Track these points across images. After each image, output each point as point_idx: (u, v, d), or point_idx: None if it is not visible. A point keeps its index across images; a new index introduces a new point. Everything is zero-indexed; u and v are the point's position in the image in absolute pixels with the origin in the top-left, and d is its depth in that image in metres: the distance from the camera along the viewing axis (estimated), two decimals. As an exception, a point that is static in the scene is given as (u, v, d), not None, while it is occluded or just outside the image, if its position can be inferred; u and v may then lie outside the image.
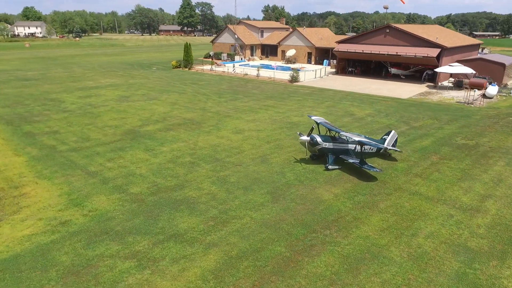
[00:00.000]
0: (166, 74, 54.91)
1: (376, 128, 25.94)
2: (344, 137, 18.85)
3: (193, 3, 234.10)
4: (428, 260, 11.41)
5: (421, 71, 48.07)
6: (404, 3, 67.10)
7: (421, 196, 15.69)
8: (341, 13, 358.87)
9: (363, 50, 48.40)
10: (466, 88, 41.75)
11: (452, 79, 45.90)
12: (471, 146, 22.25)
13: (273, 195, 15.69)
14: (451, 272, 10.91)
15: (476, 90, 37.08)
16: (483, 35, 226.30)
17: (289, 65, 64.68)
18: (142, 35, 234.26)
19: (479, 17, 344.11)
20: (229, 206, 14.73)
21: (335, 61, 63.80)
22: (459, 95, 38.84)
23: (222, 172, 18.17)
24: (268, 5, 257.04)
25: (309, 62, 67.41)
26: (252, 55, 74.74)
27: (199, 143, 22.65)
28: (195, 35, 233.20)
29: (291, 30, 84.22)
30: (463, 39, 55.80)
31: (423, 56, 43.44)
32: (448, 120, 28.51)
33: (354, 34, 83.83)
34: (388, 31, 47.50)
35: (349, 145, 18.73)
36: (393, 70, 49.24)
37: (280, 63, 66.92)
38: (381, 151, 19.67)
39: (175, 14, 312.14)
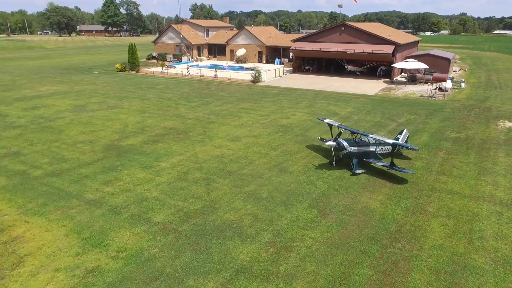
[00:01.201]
0: (113, 78, 50.29)
1: (368, 126, 25.90)
2: (366, 139, 18.22)
3: (117, 1, 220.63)
4: None
5: (375, 68, 49.94)
6: (356, 1, 69.40)
7: (459, 195, 15.59)
8: (266, 11, 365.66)
9: (320, 48, 48.93)
10: (420, 82, 44.27)
11: (404, 74, 48.36)
12: (464, 139, 23.10)
13: (318, 209, 14.44)
14: (546, 275, 10.68)
15: (439, 84, 39.28)
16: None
17: (240, 64, 63.45)
18: (61, 35, 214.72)
19: (391, 15, 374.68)
20: (280, 227, 13.18)
21: (287, 60, 64.17)
22: (417, 89, 40.92)
23: (246, 187, 16.43)
24: (196, 4, 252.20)
25: (259, 61, 66.76)
26: (199, 55, 72.05)
27: (198, 155, 20.50)
28: (121, 35, 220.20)
29: (234, 28, 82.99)
30: (407, 37, 59.37)
31: (380, 53, 45.05)
32: (426, 114, 29.59)
33: (303, 32, 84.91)
34: (343, 29, 48.53)
35: (371, 147, 18.15)
36: (350, 67, 50.52)
37: (232, 63, 65.31)
38: (395, 150, 19.41)
39: (94, 13, 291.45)
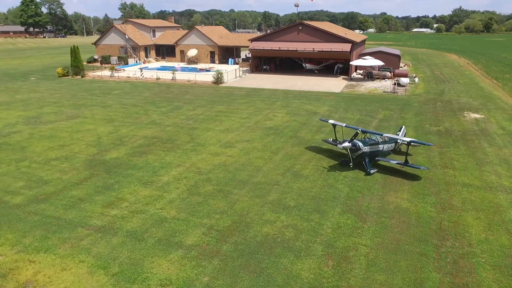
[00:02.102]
0: (58, 84, 45.72)
1: (353, 124, 26.20)
2: (375, 138, 18.26)
3: (38, 0, 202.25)
4: None
5: (331, 65, 51.27)
6: (312, 0, 70.41)
7: (472, 187, 16.22)
8: (199, 11, 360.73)
9: (280, 47, 49.01)
10: (377, 78, 46.30)
11: (360, 71, 50.27)
12: (445, 132, 24.36)
13: (353, 213, 14.07)
14: None
15: (397, 79, 41.26)
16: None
17: (193, 65, 61.47)
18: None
19: (320, 15, 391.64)
20: (327, 237, 12.56)
21: (241, 59, 63.48)
22: (377, 85, 42.71)
23: (267, 196, 15.55)
24: (126, 3, 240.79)
25: (212, 61, 65.27)
26: (146, 56, 68.49)
27: (198, 164, 19.10)
28: (44, 37, 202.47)
29: (181, 28, 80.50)
30: (357, 35, 61.82)
31: (339, 51, 46.28)
32: (399, 109, 30.85)
33: (239, 32, 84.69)
34: (301, 28, 49.08)
35: (379, 146, 18.24)
36: (308, 66, 51.28)
37: (183, 64, 63.00)
38: (395, 147, 19.76)
39: (7, 12, 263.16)
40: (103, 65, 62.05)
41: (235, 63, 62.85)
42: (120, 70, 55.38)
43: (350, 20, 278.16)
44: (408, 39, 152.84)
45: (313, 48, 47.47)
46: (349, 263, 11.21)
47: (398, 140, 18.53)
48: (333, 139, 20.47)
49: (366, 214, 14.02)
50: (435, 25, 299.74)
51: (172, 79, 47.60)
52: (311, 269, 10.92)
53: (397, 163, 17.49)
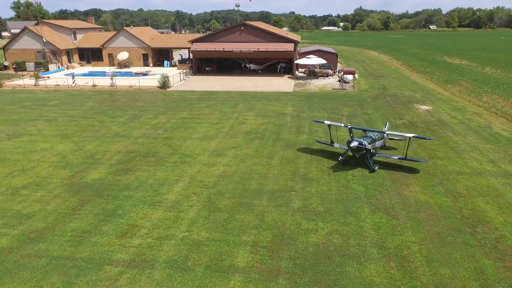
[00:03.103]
0: (-27, 97, 39.21)
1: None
2: (372, 135, 18.96)
3: None
4: None
5: (274, 65, 52.17)
6: (250, 1, 69.95)
7: (465, 174, 17.81)
8: (106, 10, 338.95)
9: (224, 48, 48.36)
10: (321, 76, 48.34)
11: (301, 70, 51.95)
12: (410, 125, 26.40)
13: (384, 212, 14.48)
14: None
15: (340, 76, 43.44)
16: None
17: (126, 69, 57.68)
18: None
19: (234, 14, 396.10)
20: (375, 239, 12.72)
21: (177, 61, 61.21)
22: (323, 83, 44.60)
23: (292, 204, 15.25)
24: (20, 1, 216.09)
25: (145, 64, 61.83)
26: (69, 61, 62.21)
27: (199, 178, 17.97)
28: None
29: (102, 30, 75.05)
30: (293, 35, 63.59)
31: (283, 51, 47.23)
32: (357, 105, 32.60)
33: (171, 32, 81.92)
34: (243, 28, 48.99)
35: (376, 143, 19.02)
36: (252, 66, 51.45)
37: (114, 69, 58.67)
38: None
39: None
40: (19, 72, 54.88)
41: (172, 65, 60.39)
42: (44, 77, 49.42)
43: (265, 19, 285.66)
44: (322, 37, 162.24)
45: (258, 48, 47.73)
46: (409, 262, 11.48)
47: (385, 135, 19.53)
48: (318, 140, 20.86)
49: (394, 211, 14.50)
50: (341, 24, 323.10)
51: (111, 86, 43.91)
52: (379, 274, 10.94)
53: (398, 158, 18.40)
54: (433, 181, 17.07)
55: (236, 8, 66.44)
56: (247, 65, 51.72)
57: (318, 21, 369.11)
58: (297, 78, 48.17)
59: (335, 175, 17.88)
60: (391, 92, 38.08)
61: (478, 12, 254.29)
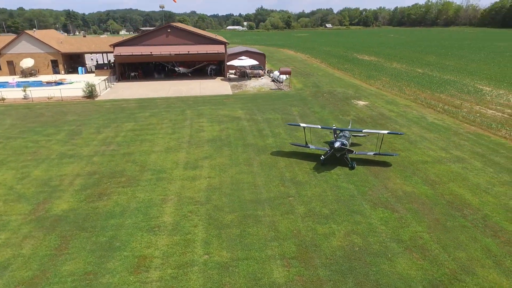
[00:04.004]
0: None
1: (281, 124, 27.58)
2: (347, 135, 19.97)
3: None
4: None
5: (204, 67, 51.36)
6: (175, 1, 66.27)
7: (429, 163, 19.88)
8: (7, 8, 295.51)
9: (151, 52, 45.97)
10: (254, 77, 49.05)
11: (231, 71, 52.00)
12: (358, 120, 28.44)
13: (382, 206, 15.44)
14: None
15: (273, 76, 44.57)
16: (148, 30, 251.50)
17: (33, 79, 51.15)
18: None
19: (133, 13, 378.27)
20: (389, 234, 13.53)
21: (93, 67, 56.37)
22: (259, 84, 45.35)
23: (296, 210, 15.36)
24: None
25: (55, 71, 55.60)
26: (-43, 72, 52.76)
27: (186, 194, 17.00)
28: None
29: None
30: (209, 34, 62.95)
31: (214, 53, 46.71)
32: (302, 104, 33.93)
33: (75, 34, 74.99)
34: (169, 30, 47.13)
35: (349, 141, 20.11)
36: (181, 69, 49.87)
37: (18, 78, 51.62)
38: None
39: None
40: None
41: (88, 71, 55.35)
42: None
43: (169, 19, 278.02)
44: (231, 37, 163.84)
45: (188, 51, 46.42)
46: (428, 250, 12.49)
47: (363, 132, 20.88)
48: (292, 142, 21.30)
49: (390, 204, 15.56)
50: (245, 23, 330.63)
51: (25, 98, 38.54)
52: (411, 267, 11.70)
53: (374, 154, 19.69)
54: (407, 172, 18.69)
55: (161, 9, 63.31)
56: (176, 69, 49.94)
57: (222, 21, 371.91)
58: (230, 80, 48.06)
59: (321, 176, 18.42)
60: (325, 90, 40.36)
61: (364, 12, 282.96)
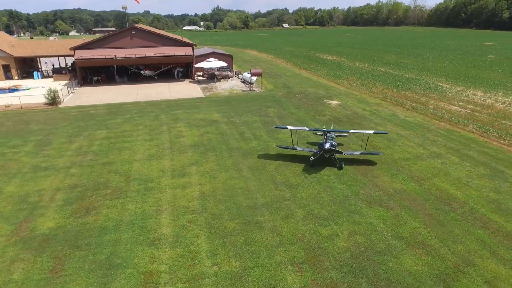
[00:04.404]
0: None
1: (261, 126, 27.67)
2: (332, 135, 20.38)
3: None
4: None
5: (171, 70, 50.29)
6: (139, 3, 63.53)
7: (411, 159, 20.76)
8: None
9: (116, 55, 44.27)
10: (223, 79, 48.73)
11: (199, 73, 51.34)
12: (335, 120, 29.13)
13: (377, 205, 15.92)
14: None
15: (242, 78, 44.53)
16: (102, 31, 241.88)
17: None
18: None
19: (82, 13, 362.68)
20: (389, 232, 13.98)
21: (50, 72, 53.39)
22: (228, 85, 45.13)
23: (295, 213, 15.46)
24: None
25: (8, 77, 51.97)
26: None
27: (179, 203, 16.58)
28: None
29: None
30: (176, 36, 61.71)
31: (182, 55, 45.85)
32: (277, 106, 34.18)
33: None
34: (134, 32, 45.65)
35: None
36: (147, 72, 48.50)
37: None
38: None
39: None
40: None
41: (44, 76, 52.29)
42: None
43: (123, 19, 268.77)
44: (190, 37, 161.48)
45: (155, 54, 45.21)
46: (429, 246, 13.06)
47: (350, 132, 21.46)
48: (278, 145, 21.42)
49: (384, 202, 16.08)
50: (201, 23, 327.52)
51: (-22, 107, 35.70)
52: (417, 263, 12.17)
53: (360, 153, 20.23)
54: (392, 169, 19.41)
55: (123, 10, 60.98)
56: (142, 72, 48.49)
57: (177, 21, 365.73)
58: (199, 82, 47.41)
59: (312, 177, 18.66)
60: (296, 90, 40.92)
61: (320, 12, 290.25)
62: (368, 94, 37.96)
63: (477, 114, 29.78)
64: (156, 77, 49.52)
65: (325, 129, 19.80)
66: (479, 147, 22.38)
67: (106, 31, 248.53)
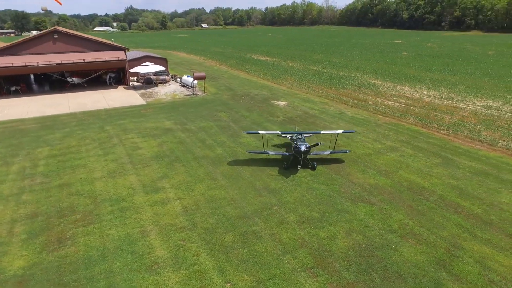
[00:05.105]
0: None
1: (219, 132, 27.32)
2: (302, 137, 20.88)
3: None
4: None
5: (101, 76, 46.99)
6: (61, 4, 56.38)
7: (373, 154, 22.17)
8: None
9: (38, 62, 39.91)
10: (161, 83, 46.88)
11: (133, 78, 48.70)
12: (289, 120, 29.92)
13: (361, 202, 16.76)
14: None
15: (194, 82, 43.27)
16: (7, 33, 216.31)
17: None
18: None
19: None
20: (381, 227, 14.82)
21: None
22: (169, 90, 43.59)
23: (288, 218, 15.60)
24: None
25: None
26: None
27: (165, 221, 15.69)
28: None
29: None
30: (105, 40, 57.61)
31: (114, 60, 43.03)
32: (227, 109, 33.95)
33: None
34: (56, 36, 41.60)
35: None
36: (76, 80, 44.61)
37: None
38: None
39: None
40: None
41: None
42: None
43: (22, 20, 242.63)
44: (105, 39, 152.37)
45: (84, 59, 41.72)
46: (419, 235, 14.15)
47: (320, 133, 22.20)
48: (248, 150, 21.37)
49: (365, 198, 16.99)
50: (114, 24, 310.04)
51: None
52: (416, 253, 13.12)
53: (330, 153, 21.00)
54: (360, 165, 20.55)
55: (42, 12, 54.56)
56: (69, 79, 44.44)
57: (87, 21, 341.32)
58: (135, 88, 44.92)
59: (291, 180, 18.94)
60: (240, 92, 41.03)
61: (238, 12, 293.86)
62: (311, 93, 39.54)
63: (411, 107, 32.84)
64: (85, 85, 45.74)
65: (298, 131, 20.20)
66: (426, 138, 24.74)
67: (3, 33, 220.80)
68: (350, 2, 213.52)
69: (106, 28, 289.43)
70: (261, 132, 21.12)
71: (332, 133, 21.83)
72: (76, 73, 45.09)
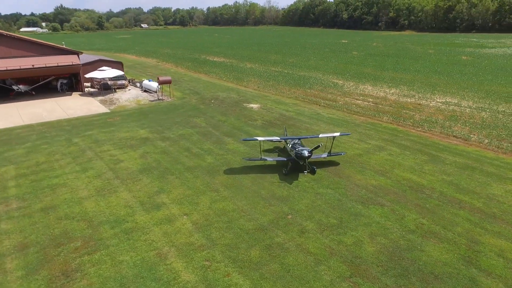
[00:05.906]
0: None
1: (201, 139, 26.40)
2: (298, 141, 20.74)
3: None
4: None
5: (50, 82, 43.24)
6: None
7: (367, 155, 22.65)
8: None
9: (-21, 69, 35.61)
10: (120, 88, 44.27)
11: (87, 84, 45.43)
12: (268, 124, 29.68)
13: (372, 204, 16.99)
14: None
15: (143, 87, 41.25)
16: None
17: None
18: None
19: None
20: (400, 228, 15.12)
21: None
22: (130, 96, 41.27)
23: (306, 227, 15.35)
24: None
25: None
26: None
27: (180, 241, 14.67)
28: None
29: None
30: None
31: (67, 65, 39.75)
32: (200, 114, 32.88)
33: None
34: (-3, 40, 37.49)
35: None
36: (22, 87, 40.52)
37: None
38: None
39: None
40: None
41: None
42: None
43: None
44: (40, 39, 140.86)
45: (33, 65, 38.01)
46: (436, 233, 14.62)
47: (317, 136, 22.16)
48: (245, 157, 20.84)
49: (373, 199, 17.25)
50: (43, 24, 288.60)
51: None
52: (441, 251, 13.51)
53: (327, 156, 21.05)
54: (356, 167, 20.89)
55: None
56: (15, 87, 40.24)
57: (10, 21, 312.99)
58: (92, 94, 41.90)
59: (295, 186, 18.70)
60: (208, 96, 40.00)
61: (179, 12, 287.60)
62: (280, 95, 39.64)
63: (380, 106, 34.21)
64: (33, 92, 41.70)
65: (299, 137, 20.11)
66: (406, 136, 25.86)
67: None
68: (292, 3, 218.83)
69: (35, 29, 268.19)
70: (259, 138, 20.58)
71: (329, 136, 21.92)
72: (23, 80, 40.92)
